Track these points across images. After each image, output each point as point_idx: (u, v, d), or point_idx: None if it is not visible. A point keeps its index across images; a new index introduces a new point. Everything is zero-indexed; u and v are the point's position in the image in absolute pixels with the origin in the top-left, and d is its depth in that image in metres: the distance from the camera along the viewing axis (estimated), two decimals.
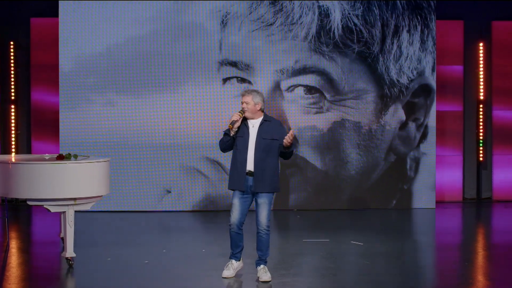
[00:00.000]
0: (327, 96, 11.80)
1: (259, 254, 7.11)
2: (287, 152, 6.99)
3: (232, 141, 7.04)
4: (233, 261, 7.16)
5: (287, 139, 6.85)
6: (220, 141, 7.10)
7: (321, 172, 11.89)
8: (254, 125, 7.01)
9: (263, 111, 7.08)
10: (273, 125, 7.05)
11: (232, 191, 7.10)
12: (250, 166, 6.95)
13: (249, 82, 11.68)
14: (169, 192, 11.72)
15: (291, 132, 6.86)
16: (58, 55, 11.57)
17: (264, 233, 7.01)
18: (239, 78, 11.71)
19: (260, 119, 7.04)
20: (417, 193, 12.06)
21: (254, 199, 7.04)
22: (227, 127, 7.03)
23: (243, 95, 7.03)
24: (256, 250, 7.13)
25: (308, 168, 11.87)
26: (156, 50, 11.61)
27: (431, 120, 12.05)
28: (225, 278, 7.09)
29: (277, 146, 6.99)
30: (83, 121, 11.62)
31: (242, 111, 6.98)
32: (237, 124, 6.95)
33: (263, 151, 6.95)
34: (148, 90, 11.65)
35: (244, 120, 7.03)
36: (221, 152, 7.23)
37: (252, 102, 6.98)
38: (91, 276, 7.37)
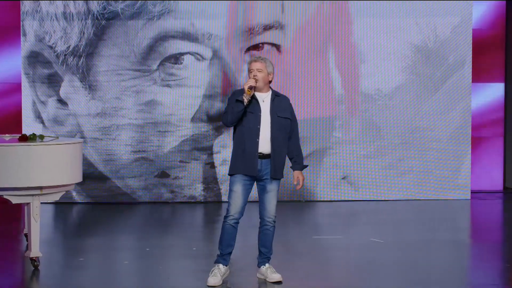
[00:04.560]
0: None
1: (264, 251, 7.15)
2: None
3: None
4: (221, 265, 7.06)
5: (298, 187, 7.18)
6: (228, 111, 7.00)
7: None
8: (264, 100, 7.05)
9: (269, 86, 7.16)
10: (284, 102, 7.14)
11: (231, 177, 7.08)
12: (264, 147, 6.98)
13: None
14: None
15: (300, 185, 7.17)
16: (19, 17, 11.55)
17: (271, 225, 7.09)
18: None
19: (269, 94, 7.08)
20: (449, 181, 12.05)
21: (261, 186, 7.06)
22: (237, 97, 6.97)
23: (254, 61, 7.04)
24: (259, 247, 7.16)
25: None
26: (140, 16, 11.55)
27: (466, 95, 12.02)
28: (211, 286, 6.95)
29: (289, 126, 7.10)
30: (50, 95, 11.58)
31: (255, 78, 6.97)
32: (253, 91, 6.96)
33: (279, 131, 7.02)
34: (131, 60, 11.63)
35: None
36: (225, 126, 7.20)
37: (265, 71, 7.02)
38: (60, 280, 7.37)
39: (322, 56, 11.79)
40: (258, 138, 6.96)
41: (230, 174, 7.07)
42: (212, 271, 7.04)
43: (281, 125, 7.03)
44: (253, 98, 7.00)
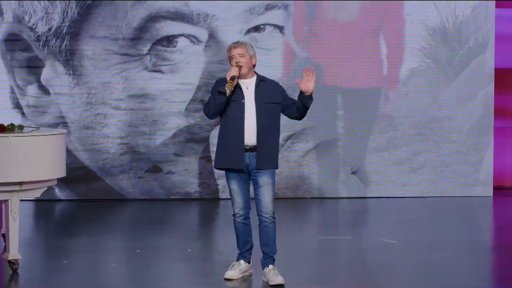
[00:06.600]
0: None
1: (266, 250, 7.22)
2: (305, 107, 7.06)
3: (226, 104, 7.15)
4: (242, 261, 7.32)
5: (307, 83, 6.93)
6: (210, 103, 7.15)
7: (350, 150, 11.93)
8: (248, 87, 7.16)
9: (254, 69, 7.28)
10: (271, 86, 7.23)
11: (225, 173, 7.24)
12: (251, 138, 7.10)
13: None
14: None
15: (310, 69, 6.95)
16: None
17: (270, 222, 7.17)
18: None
19: (254, 79, 7.20)
20: (468, 177, 12.05)
21: (253, 180, 7.18)
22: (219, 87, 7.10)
23: (234, 47, 7.15)
24: (260, 247, 7.23)
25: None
26: None
27: (487, 81, 12.02)
28: (227, 279, 7.19)
29: (279, 111, 7.18)
30: (30, 81, 11.59)
31: (239, 65, 7.08)
32: (235, 81, 7.05)
33: (265, 118, 7.11)
34: (120, 41, 11.65)
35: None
36: (209, 119, 7.35)
37: (247, 55, 7.15)
38: (42, 284, 7.36)
39: (324, 42, 11.81)
40: (244, 128, 7.08)
41: (215, 167, 7.30)
42: (232, 265, 7.31)
43: (268, 112, 7.12)
44: (236, 86, 7.10)
